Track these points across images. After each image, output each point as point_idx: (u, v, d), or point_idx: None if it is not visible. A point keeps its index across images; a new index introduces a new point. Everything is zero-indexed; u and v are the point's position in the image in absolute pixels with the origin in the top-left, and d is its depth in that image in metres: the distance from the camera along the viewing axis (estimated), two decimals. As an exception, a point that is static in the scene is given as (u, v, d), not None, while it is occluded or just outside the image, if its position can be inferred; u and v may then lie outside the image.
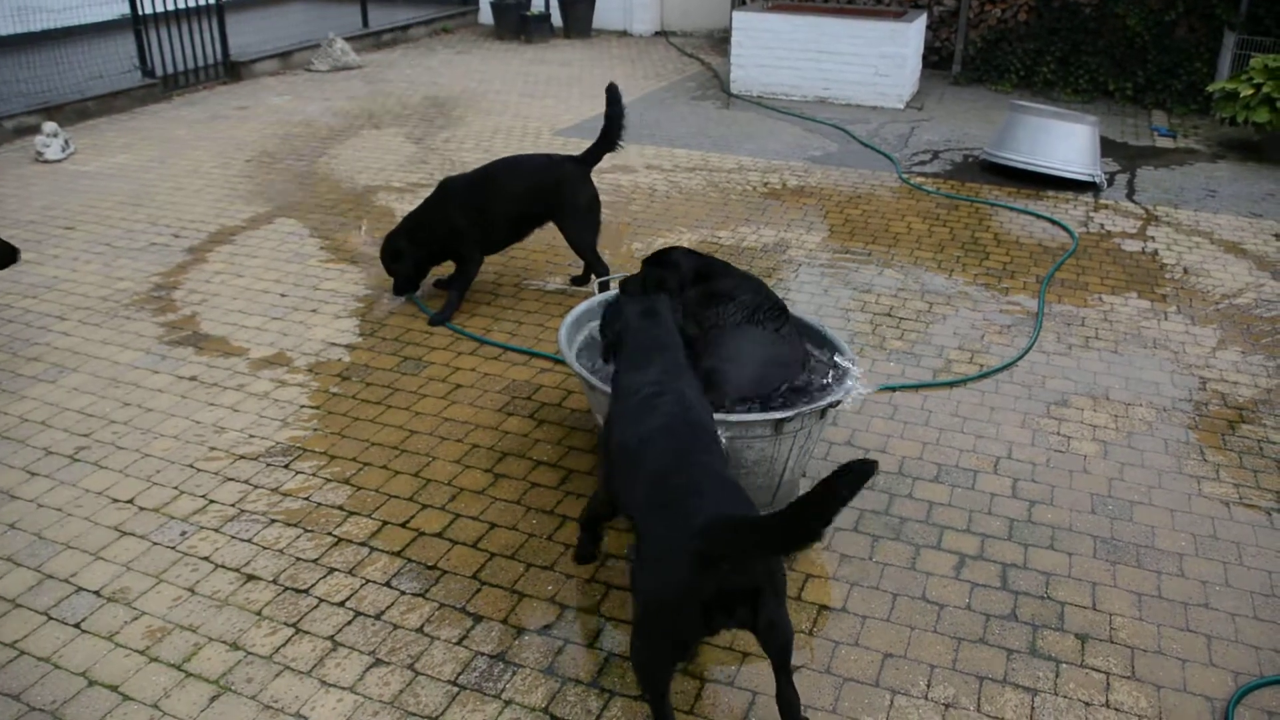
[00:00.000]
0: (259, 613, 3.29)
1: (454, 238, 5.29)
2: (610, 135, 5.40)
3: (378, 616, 3.27)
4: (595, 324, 4.39)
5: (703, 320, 4.03)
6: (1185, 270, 6.23)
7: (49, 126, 8.08)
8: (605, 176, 7.75)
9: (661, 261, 4.30)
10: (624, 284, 4.35)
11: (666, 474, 2.75)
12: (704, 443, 2.90)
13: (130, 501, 3.84)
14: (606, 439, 3.16)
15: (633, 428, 2.96)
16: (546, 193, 5.39)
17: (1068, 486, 4.03)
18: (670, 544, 2.54)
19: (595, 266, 5.53)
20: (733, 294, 4.05)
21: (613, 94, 5.38)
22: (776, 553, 2.57)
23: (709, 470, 2.76)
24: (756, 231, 6.69)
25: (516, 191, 5.36)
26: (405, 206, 6.78)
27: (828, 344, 4.06)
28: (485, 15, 14.63)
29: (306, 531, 3.69)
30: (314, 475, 4.03)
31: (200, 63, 10.49)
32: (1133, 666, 3.13)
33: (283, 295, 5.66)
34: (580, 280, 5.82)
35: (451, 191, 5.34)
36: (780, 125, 9.53)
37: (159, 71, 10.05)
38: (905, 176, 7.92)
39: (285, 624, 3.24)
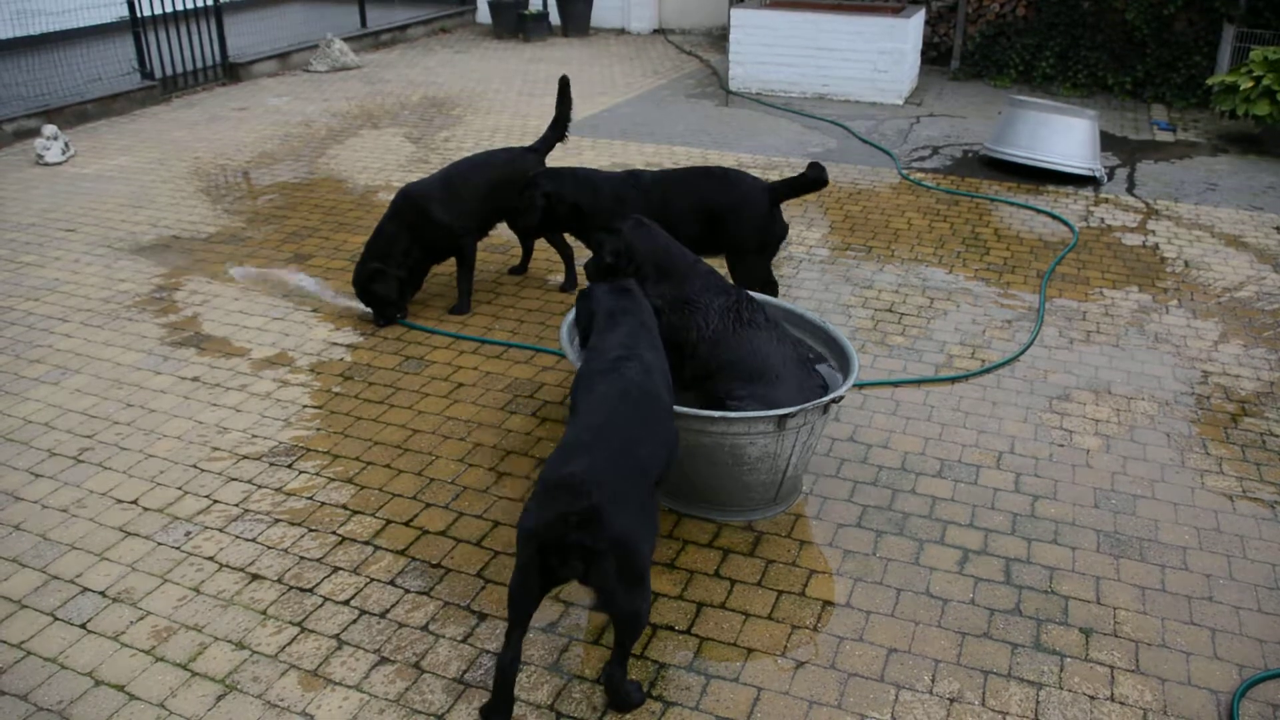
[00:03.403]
0: (264, 612, 3.29)
1: (443, 235, 5.32)
2: (560, 125, 5.79)
3: (382, 615, 3.28)
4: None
5: (684, 331, 3.77)
6: (1186, 264, 6.23)
7: (49, 129, 8.09)
8: (605, 174, 7.75)
9: (616, 243, 3.99)
10: (587, 267, 4.21)
11: (596, 425, 2.93)
12: (648, 412, 3.05)
13: (134, 502, 3.85)
14: (574, 392, 3.24)
15: (594, 389, 3.09)
16: (511, 186, 5.35)
17: (1070, 481, 4.03)
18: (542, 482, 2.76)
19: (526, 257, 5.98)
20: (704, 298, 3.81)
21: (563, 87, 5.70)
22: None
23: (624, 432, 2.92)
24: (757, 228, 6.69)
25: (481, 189, 5.44)
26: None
27: (830, 340, 4.07)
28: (483, 14, 14.63)
29: (310, 531, 3.69)
30: (317, 475, 4.04)
31: (199, 64, 10.50)
32: (1137, 660, 3.13)
33: (284, 295, 5.66)
34: (518, 270, 6.01)
35: (420, 196, 5.31)
36: (779, 122, 9.53)
37: (158, 74, 10.05)
38: (905, 172, 7.92)
39: (290, 623, 3.25)
